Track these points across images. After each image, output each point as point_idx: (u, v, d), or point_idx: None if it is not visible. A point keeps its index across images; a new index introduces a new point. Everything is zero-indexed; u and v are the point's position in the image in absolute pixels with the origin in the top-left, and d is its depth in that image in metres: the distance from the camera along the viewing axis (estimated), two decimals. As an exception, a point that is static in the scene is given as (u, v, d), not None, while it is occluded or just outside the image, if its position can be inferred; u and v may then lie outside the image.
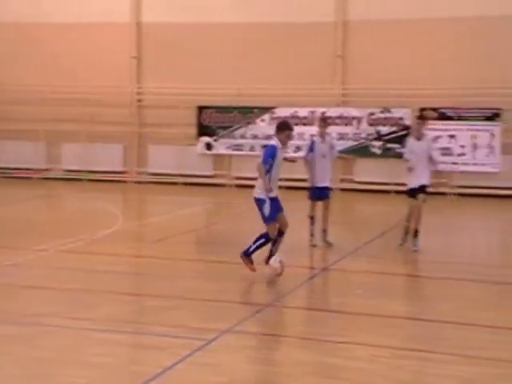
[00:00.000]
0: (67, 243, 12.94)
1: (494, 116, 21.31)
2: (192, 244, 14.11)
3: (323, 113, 21.83)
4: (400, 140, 22.01)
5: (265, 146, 11.03)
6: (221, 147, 24.06)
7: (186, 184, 24.25)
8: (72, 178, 25.11)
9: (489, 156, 21.17)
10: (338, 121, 22.68)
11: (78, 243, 13.06)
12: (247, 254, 10.67)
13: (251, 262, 10.67)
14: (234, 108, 23.84)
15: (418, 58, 22.30)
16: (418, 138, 12.82)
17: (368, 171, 22.15)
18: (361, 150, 22.35)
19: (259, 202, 10.62)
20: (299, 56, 23.32)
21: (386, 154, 21.93)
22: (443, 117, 21.45)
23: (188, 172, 24.29)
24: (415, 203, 12.78)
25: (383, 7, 22.65)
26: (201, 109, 24.10)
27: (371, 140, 22.67)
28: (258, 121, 23.61)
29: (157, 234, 14.55)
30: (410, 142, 13.02)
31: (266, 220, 10.61)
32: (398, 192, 21.71)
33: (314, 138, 13.37)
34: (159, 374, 6.57)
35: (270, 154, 10.56)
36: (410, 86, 21.91)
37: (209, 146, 24.16)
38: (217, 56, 24.15)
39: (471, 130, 21.26)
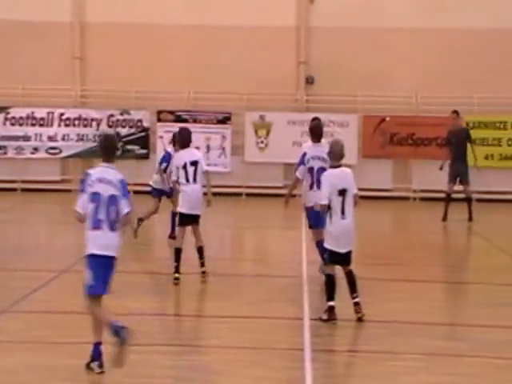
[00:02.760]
0: None
1: (225, 119, 22.50)
2: None
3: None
4: (139, 141, 22.54)
5: None
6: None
7: None
8: None
9: (220, 157, 22.36)
10: (76, 122, 22.60)
11: None
12: None
13: None
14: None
15: (155, 62, 22.72)
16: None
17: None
18: (101, 151, 22.41)
19: None
20: (36, 55, 22.71)
21: (126, 155, 22.16)
22: (179, 119, 22.16)
23: None
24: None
25: (122, 10, 22.77)
26: None
27: (111, 141, 22.81)
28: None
29: None
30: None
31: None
32: (136, 192, 22.10)
33: (306, 150, 10.89)
34: None
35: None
36: (149, 88, 22.36)
37: None
38: None
39: (205, 132, 22.25)
